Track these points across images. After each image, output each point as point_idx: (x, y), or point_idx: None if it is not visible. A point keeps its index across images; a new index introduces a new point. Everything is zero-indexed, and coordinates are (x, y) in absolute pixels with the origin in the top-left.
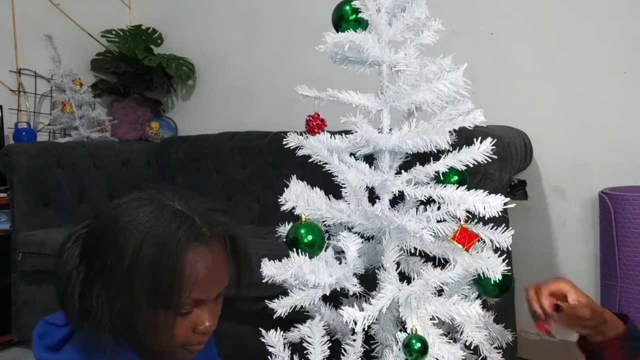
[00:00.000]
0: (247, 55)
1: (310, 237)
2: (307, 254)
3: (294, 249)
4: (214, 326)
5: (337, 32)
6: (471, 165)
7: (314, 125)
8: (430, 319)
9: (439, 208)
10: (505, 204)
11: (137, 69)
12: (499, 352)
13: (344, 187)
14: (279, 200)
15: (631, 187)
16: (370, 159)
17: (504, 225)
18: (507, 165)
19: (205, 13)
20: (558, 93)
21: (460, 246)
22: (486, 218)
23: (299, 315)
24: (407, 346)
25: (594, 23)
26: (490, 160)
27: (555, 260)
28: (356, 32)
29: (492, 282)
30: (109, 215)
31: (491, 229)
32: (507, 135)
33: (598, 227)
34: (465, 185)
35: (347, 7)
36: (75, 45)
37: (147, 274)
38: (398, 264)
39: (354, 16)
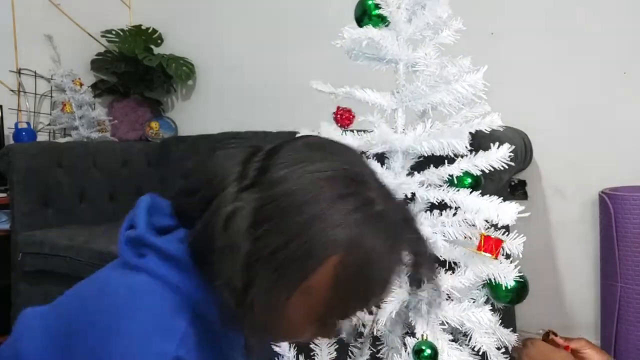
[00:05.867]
0: (247, 55)
1: None
2: None
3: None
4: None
5: (359, 27)
6: (487, 171)
7: (344, 117)
8: (440, 324)
9: (455, 214)
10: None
11: (137, 69)
12: (506, 357)
13: None
14: None
15: (631, 187)
16: (380, 158)
17: (504, 225)
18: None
19: (205, 13)
20: (558, 93)
21: (489, 255)
22: (499, 225)
23: None
24: (417, 353)
25: (594, 23)
26: (507, 167)
27: (555, 260)
28: (376, 28)
29: (505, 289)
30: (302, 186)
31: (503, 234)
32: (507, 136)
33: (598, 227)
34: (480, 190)
35: (370, 2)
36: (75, 45)
37: (333, 288)
38: None
39: (376, 11)
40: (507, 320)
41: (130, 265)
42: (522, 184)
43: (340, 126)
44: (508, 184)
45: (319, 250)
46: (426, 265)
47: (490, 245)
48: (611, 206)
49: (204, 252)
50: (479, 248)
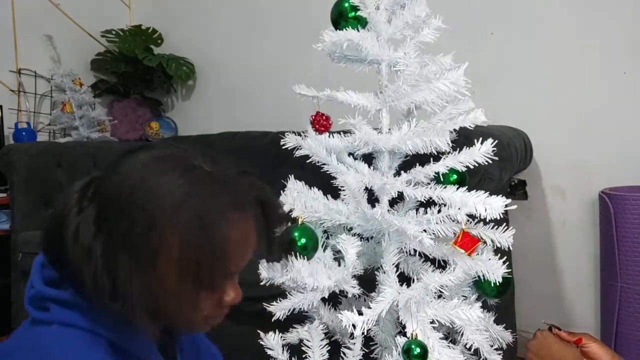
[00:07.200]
0: (247, 55)
1: (303, 240)
2: (302, 256)
3: (290, 252)
4: (240, 298)
5: (336, 29)
6: (471, 167)
7: (320, 124)
8: (430, 322)
9: (439, 211)
10: (506, 205)
11: (137, 69)
12: (499, 354)
13: (343, 189)
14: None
15: (631, 187)
16: (368, 158)
17: (504, 225)
18: (507, 165)
19: (205, 13)
20: (558, 93)
21: (462, 251)
22: (487, 220)
23: (297, 316)
24: (406, 352)
25: (594, 23)
26: (491, 162)
27: (555, 260)
28: (355, 29)
29: (491, 284)
30: (130, 175)
31: (491, 228)
32: (507, 135)
33: (598, 227)
34: (466, 186)
35: (346, 4)
36: (75, 45)
37: (185, 248)
38: (397, 265)
39: (353, 13)
40: (507, 319)
41: (40, 320)
42: (522, 184)
43: (316, 132)
44: (508, 184)
45: (158, 219)
46: (273, 210)
47: (467, 242)
48: (611, 206)
49: (80, 281)
50: (455, 242)
